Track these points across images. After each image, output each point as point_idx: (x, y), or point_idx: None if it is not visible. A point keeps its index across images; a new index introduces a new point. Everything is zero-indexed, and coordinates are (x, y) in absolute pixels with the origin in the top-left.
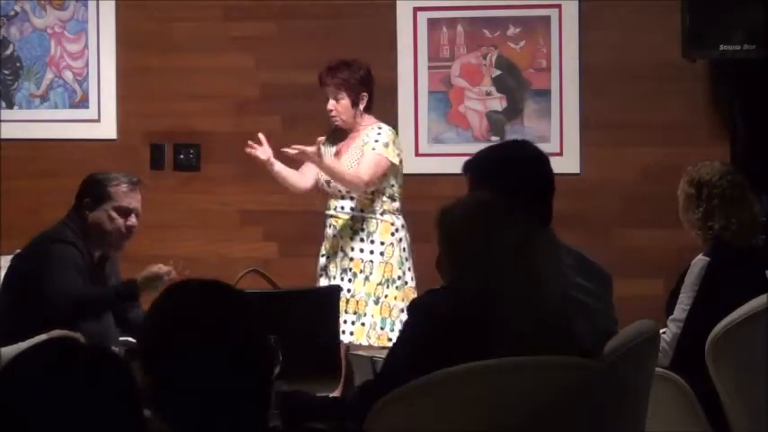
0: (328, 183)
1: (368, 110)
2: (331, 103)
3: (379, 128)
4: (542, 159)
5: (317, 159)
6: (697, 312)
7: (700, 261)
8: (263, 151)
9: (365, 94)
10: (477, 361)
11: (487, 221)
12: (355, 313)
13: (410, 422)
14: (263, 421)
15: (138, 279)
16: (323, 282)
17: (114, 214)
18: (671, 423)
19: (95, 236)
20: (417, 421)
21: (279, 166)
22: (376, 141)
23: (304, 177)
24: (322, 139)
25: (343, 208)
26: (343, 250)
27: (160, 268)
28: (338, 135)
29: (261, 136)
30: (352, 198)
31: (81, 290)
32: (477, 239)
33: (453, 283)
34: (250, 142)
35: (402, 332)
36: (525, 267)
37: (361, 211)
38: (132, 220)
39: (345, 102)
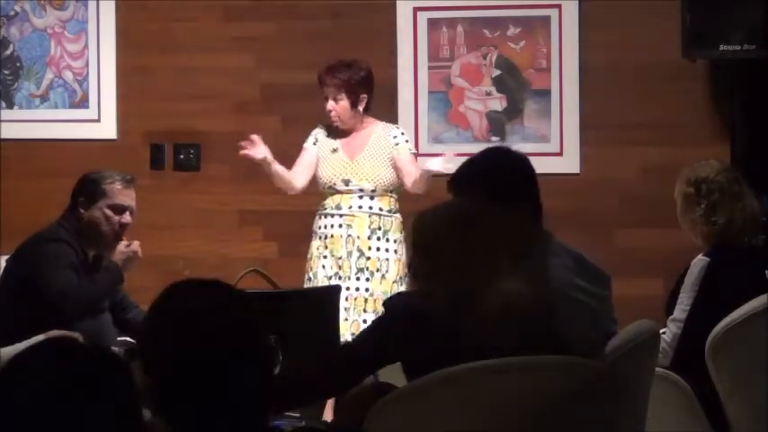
0: (347, 182)
1: (366, 110)
2: (330, 104)
3: (396, 127)
4: (521, 161)
5: (431, 173)
6: (697, 312)
7: (699, 261)
8: (259, 150)
9: (365, 95)
10: (442, 364)
11: (460, 228)
12: (374, 312)
13: (410, 422)
14: (263, 421)
15: (118, 262)
16: (335, 283)
17: (109, 212)
18: (671, 423)
19: (91, 234)
20: (417, 421)
21: (277, 166)
22: (406, 141)
23: (297, 177)
24: (449, 154)
25: (360, 207)
26: (359, 250)
27: (128, 246)
28: (336, 131)
29: (254, 137)
30: (372, 197)
31: (78, 288)
32: (448, 246)
33: (423, 287)
34: (242, 143)
35: (371, 323)
36: (501, 272)
37: (380, 209)
38: (126, 217)
39: (344, 103)
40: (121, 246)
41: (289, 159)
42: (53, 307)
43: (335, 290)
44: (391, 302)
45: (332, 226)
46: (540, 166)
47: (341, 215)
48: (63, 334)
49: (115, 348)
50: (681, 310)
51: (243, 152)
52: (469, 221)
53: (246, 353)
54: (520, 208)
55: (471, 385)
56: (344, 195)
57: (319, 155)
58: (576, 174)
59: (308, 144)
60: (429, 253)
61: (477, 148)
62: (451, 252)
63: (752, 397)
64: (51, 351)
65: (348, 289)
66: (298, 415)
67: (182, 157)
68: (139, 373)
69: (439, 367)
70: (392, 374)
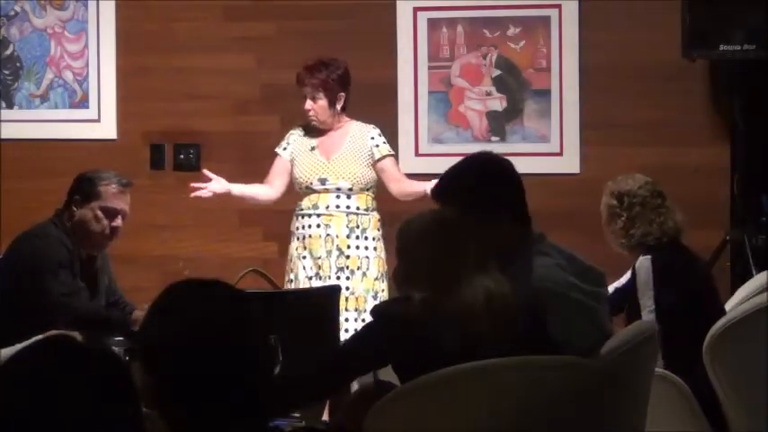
0: (323, 181)
1: (343, 109)
2: (308, 104)
3: (373, 128)
4: (504, 166)
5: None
6: (665, 310)
7: (644, 261)
8: (216, 184)
9: (342, 94)
10: (429, 366)
11: (440, 237)
12: (356, 310)
13: (410, 422)
14: (262, 421)
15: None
16: (315, 283)
17: (100, 214)
18: (670, 423)
19: (80, 234)
20: (417, 421)
21: (238, 189)
22: (384, 143)
23: (273, 185)
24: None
25: (338, 206)
26: (338, 249)
27: None
28: (312, 130)
29: (205, 172)
30: (348, 196)
31: (79, 303)
32: (427, 254)
33: (407, 293)
34: (193, 185)
35: (359, 330)
36: (483, 276)
37: (357, 208)
38: (118, 221)
39: (323, 102)
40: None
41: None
42: (48, 312)
43: (335, 290)
44: (377, 309)
45: (309, 226)
46: (540, 166)
47: (318, 215)
48: (62, 334)
49: (115, 348)
50: (647, 313)
51: (194, 195)
52: (450, 229)
53: (246, 353)
54: (503, 213)
55: (470, 385)
56: (321, 195)
57: (294, 156)
58: (576, 174)
59: (279, 150)
60: (412, 259)
61: (476, 148)
62: (432, 258)
63: (750, 396)
64: (50, 351)
65: None
66: (298, 415)
67: (182, 157)
68: (139, 373)
69: (427, 369)
70: (393, 374)
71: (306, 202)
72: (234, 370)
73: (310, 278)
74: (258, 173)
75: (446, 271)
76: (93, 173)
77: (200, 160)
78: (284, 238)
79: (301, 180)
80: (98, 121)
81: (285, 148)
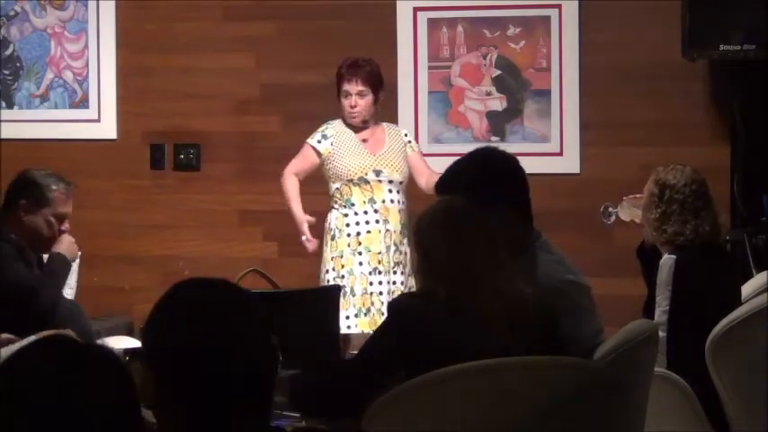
0: (378, 173)
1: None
2: (353, 100)
3: (399, 127)
4: (507, 160)
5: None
6: (679, 312)
7: (667, 260)
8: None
9: (381, 91)
10: (446, 362)
11: (453, 227)
12: None
13: (410, 422)
14: (264, 421)
15: (65, 254)
16: (375, 278)
17: (53, 221)
18: (671, 423)
19: (30, 239)
20: (417, 421)
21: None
22: (413, 140)
23: (299, 179)
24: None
25: (393, 201)
26: (395, 244)
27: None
28: (349, 127)
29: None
30: (398, 191)
31: (41, 281)
32: (443, 245)
33: (424, 287)
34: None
35: (379, 326)
36: (496, 270)
37: (404, 203)
38: (66, 225)
39: (370, 98)
40: (69, 239)
41: (289, 159)
42: (23, 306)
43: (335, 290)
44: (394, 303)
45: (368, 222)
46: (540, 166)
47: (375, 210)
48: (59, 333)
49: (115, 348)
50: (660, 312)
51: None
52: (462, 220)
53: (249, 353)
54: (508, 207)
55: (470, 385)
56: (375, 188)
57: (337, 148)
58: (576, 174)
59: (313, 142)
60: (427, 252)
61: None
62: (446, 251)
63: (752, 397)
64: (49, 350)
65: (389, 283)
66: (298, 415)
67: (182, 157)
68: (139, 373)
69: (440, 366)
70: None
71: (358, 196)
72: (236, 370)
73: (370, 273)
74: (258, 173)
75: (461, 262)
76: (37, 175)
77: (201, 160)
78: (284, 238)
79: (354, 171)
80: (98, 121)
81: (320, 141)
